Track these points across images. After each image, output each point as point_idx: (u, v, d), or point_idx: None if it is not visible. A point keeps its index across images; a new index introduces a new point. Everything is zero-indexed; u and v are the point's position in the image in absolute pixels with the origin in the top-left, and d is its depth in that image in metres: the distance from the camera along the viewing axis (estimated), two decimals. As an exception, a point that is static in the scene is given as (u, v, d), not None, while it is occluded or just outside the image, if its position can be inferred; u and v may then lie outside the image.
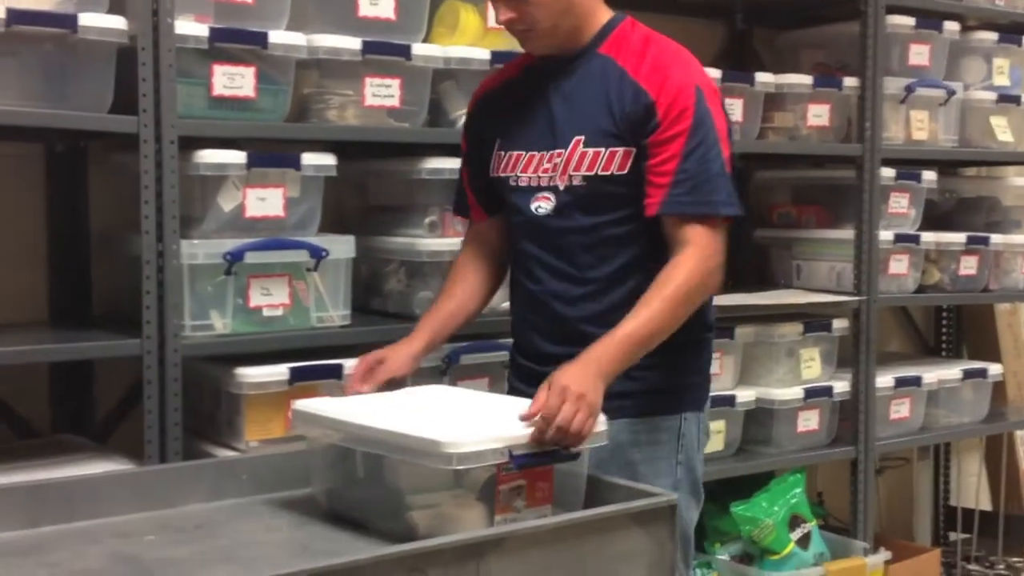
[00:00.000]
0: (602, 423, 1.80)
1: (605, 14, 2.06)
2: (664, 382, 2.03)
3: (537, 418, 1.72)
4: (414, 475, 1.81)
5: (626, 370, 1.92)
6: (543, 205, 2.03)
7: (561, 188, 2.02)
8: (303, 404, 1.93)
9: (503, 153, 2.10)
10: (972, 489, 4.25)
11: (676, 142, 1.93)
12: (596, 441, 1.80)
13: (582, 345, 1.91)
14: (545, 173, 2.03)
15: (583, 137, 1.99)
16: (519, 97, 2.10)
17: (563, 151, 2.01)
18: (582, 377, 1.79)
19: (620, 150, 1.97)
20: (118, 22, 2.20)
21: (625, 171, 1.97)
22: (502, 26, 2.03)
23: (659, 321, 1.89)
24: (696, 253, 1.92)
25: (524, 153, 2.07)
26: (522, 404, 1.79)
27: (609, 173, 1.97)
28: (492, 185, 2.14)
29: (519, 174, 2.07)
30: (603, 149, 1.97)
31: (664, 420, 2.04)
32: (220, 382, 2.39)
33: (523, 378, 2.13)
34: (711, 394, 2.18)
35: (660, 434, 2.03)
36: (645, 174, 1.95)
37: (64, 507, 1.82)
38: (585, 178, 1.99)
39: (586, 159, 1.99)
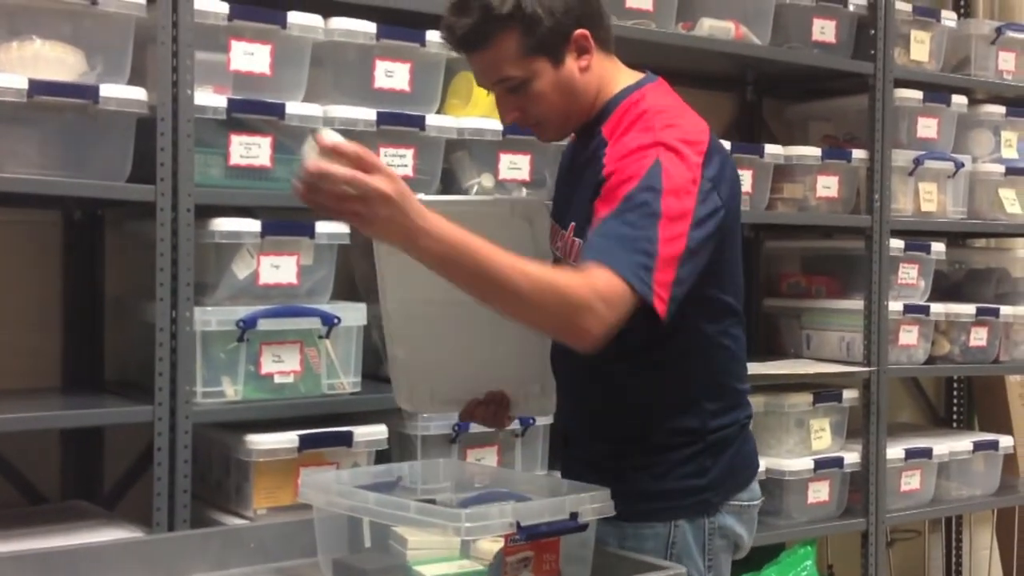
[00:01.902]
0: (607, 496, 1.80)
1: (622, 81, 1.90)
2: (652, 486, 1.88)
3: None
4: (421, 545, 1.81)
5: (614, 471, 1.87)
6: None
7: None
8: (312, 473, 1.94)
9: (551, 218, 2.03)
10: (984, 563, 4.20)
11: (607, 208, 1.70)
12: (603, 512, 1.79)
13: (578, 432, 1.93)
14: (559, 251, 1.94)
15: (575, 224, 1.86)
16: (564, 164, 2.03)
17: (565, 233, 1.91)
18: (381, 188, 1.52)
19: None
20: (138, 93, 2.24)
21: None
22: (510, 125, 1.93)
23: (500, 277, 1.59)
24: (589, 279, 1.62)
25: (554, 223, 1.98)
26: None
27: None
28: None
29: (552, 246, 1.99)
30: (581, 241, 1.81)
31: (650, 527, 1.87)
32: (229, 449, 2.40)
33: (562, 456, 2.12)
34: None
35: (645, 541, 1.87)
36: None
37: (71, 575, 1.82)
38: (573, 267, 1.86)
39: (574, 248, 1.85)
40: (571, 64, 1.84)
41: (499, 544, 1.69)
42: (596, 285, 1.63)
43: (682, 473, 1.90)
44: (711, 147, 1.83)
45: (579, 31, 1.84)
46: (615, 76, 1.91)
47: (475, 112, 2.68)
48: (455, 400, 1.99)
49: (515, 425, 2.64)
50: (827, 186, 3.32)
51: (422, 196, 1.92)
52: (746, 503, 1.98)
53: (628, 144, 1.78)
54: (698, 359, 1.89)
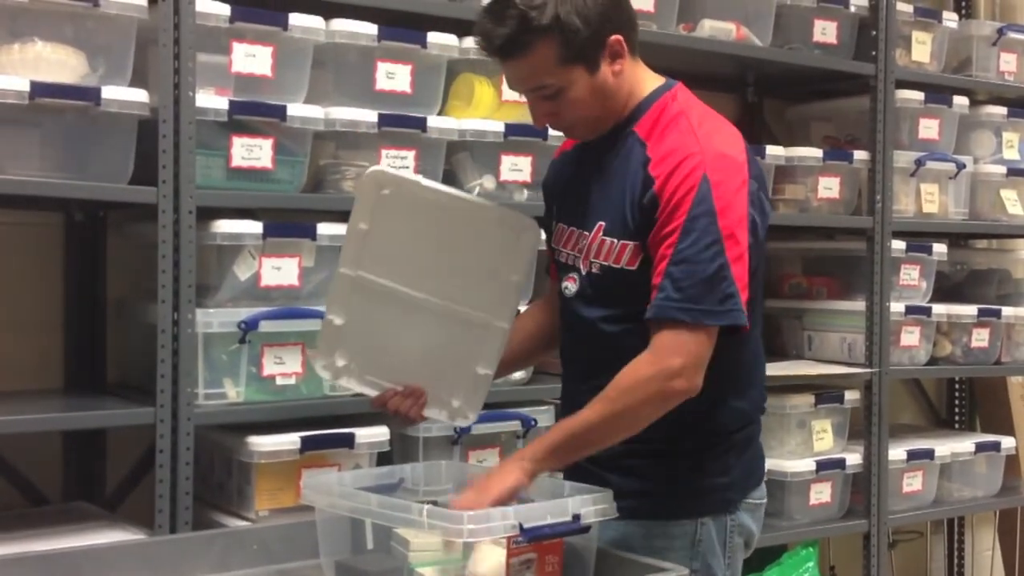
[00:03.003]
0: (609, 498, 1.80)
1: (650, 84, 1.94)
2: (679, 484, 1.92)
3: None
4: (423, 547, 1.81)
5: (641, 470, 1.89)
6: (570, 286, 1.96)
7: (583, 272, 1.92)
8: (314, 475, 1.94)
9: (555, 222, 2.04)
10: (986, 564, 4.20)
11: (668, 241, 1.79)
12: (606, 514, 1.79)
13: None
14: (576, 252, 1.95)
15: (604, 224, 1.88)
16: (576, 166, 2.01)
17: (588, 234, 1.91)
18: (491, 471, 1.82)
19: (630, 244, 1.85)
20: (140, 95, 2.24)
21: (634, 267, 1.85)
22: (542, 126, 1.95)
23: (599, 424, 1.80)
24: (653, 358, 1.78)
25: (566, 227, 1.99)
26: None
27: (620, 266, 1.86)
28: None
29: (561, 248, 2.00)
30: (616, 240, 1.86)
31: (677, 525, 1.91)
32: (231, 451, 2.39)
33: None
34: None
35: (673, 540, 1.91)
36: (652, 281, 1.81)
37: (73, 577, 1.82)
38: (602, 267, 1.89)
39: (604, 247, 1.88)
40: (605, 69, 1.87)
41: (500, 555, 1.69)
42: (653, 359, 1.78)
43: (709, 471, 1.93)
44: (747, 147, 1.89)
45: (614, 37, 1.87)
46: (644, 78, 1.95)
47: (476, 113, 2.68)
48: (373, 383, 1.99)
49: (517, 427, 2.64)
50: (828, 187, 3.32)
51: (420, 179, 1.93)
52: (758, 501, 2.02)
53: (672, 151, 1.82)
54: (728, 359, 1.88)
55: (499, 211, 2.02)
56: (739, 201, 1.82)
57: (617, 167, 1.90)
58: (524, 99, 1.94)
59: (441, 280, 1.96)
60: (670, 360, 1.78)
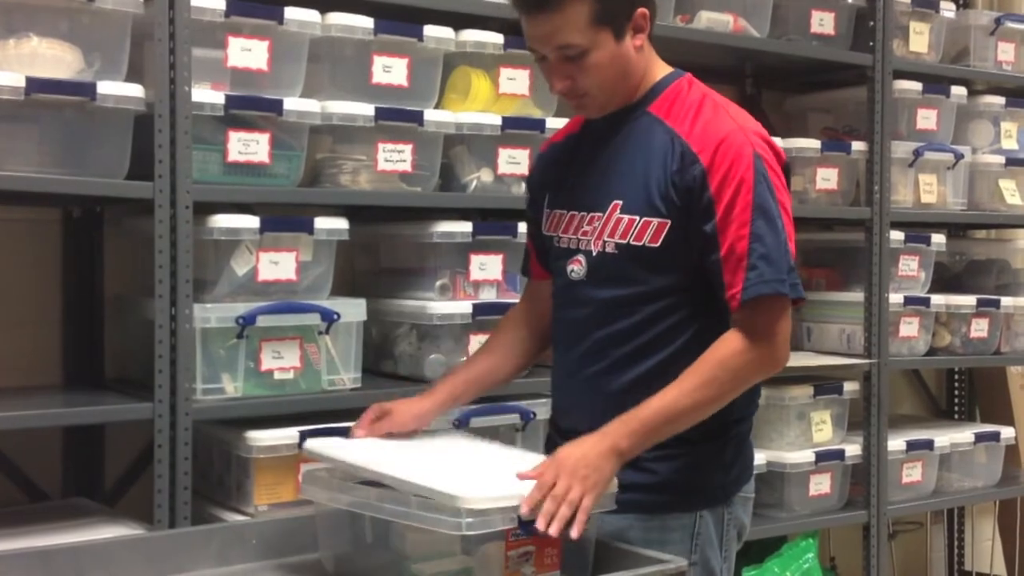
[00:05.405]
0: (612, 486, 1.80)
1: (662, 70, 1.96)
2: (678, 477, 1.90)
3: (532, 488, 1.68)
4: (421, 541, 1.81)
5: (637, 462, 1.85)
6: (576, 269, 1.93)
7: (594, 253, 1.90)
8: (312, 467, 1.94)
9: (550, 211, 2.02)
10: (986, 553, 4.20)
11: (740, 220, 1.80)
12: (604, 506, 1.79)
13: (607, 419, 1.89)
14: (584, 236, 1.92)
15: (621, 202, 1.88)
16: (573, 153, 2.01)
17: (601, 214, 1.90)
18: (584, 452, 1.72)
19: (655, 221, 1.84)
20: (136, 90, 2.24)
21: (657, 244, 1.84)
22: (559, 94, 1.92)
23: (692, 399, 1.79)
24: (750, 331, 1.80)
25: (566, 212, 1.97)
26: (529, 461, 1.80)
27: (641, 244, 1.85)
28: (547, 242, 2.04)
29: (560, 234, 1.98)
30: (638, 217, 1.85)
31: (676, 518, 1.90)
32: (230, 445, 2.40)
33: (552, 448, 2.10)
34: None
35: (671, 533, 1.89)
36: (719, 264, 1.81)
37: (73, 572, 1.81)
38: (617, 246, 1.87)
39: (621, 225, 1.87)
40: (629, 41, 1.88)
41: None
42: (750, 332, 1.81)
43: (711, 465, 1.93)
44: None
45: (641, 9, 1.88)
46: (656, 62, 1.97)
47: (473, 107, 2.68)
48: None
49: (516, 419, 2.65)
50: (827, 178, 3.32)
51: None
52: (750, 494, 2.02)
53: (712, 129, 1.85)
54: None
55: None
56: (782, 179, 1.90)
57: (635, 146, 1.90)
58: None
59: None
60: (774, 336, 1.83)
